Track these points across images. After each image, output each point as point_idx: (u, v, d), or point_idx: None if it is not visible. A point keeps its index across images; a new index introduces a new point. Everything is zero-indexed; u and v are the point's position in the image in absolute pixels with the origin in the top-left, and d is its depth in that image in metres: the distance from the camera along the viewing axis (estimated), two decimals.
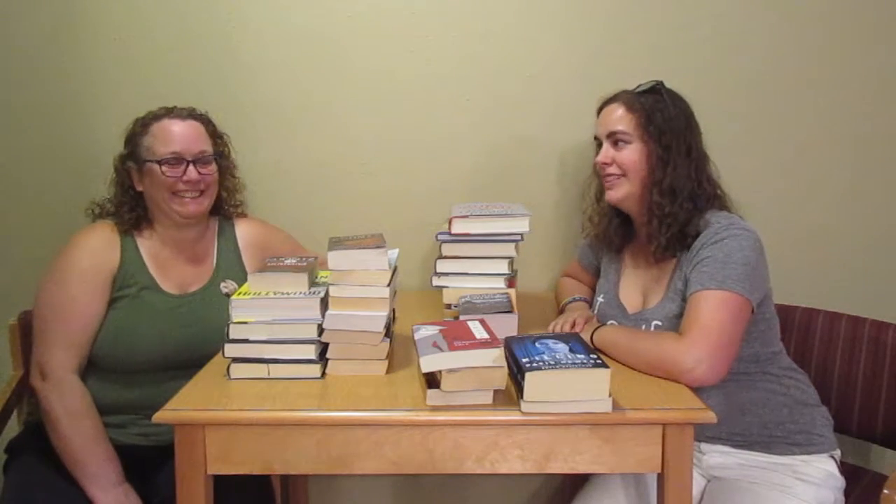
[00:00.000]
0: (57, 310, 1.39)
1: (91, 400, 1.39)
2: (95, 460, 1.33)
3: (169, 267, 1.49)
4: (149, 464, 1.40)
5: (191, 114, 1.50)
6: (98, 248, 1.43)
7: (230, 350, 1.20)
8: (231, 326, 1.20)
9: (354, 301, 1.20)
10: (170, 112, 1.48)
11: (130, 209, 1.48)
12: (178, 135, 1.45)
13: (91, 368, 1.42)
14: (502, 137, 1.83)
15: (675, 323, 1.31)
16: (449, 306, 1.50)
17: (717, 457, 1.37)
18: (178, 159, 1.44)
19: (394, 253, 1.30)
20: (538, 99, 1.81)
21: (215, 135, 1.54)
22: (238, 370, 1.20)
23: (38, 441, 1.40)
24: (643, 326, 1.37)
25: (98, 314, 1.41)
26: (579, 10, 1.78)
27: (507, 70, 1.80)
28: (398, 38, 1.80)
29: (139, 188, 1.47)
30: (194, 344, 1.40)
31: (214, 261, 1.55)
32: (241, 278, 1.53)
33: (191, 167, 1.44)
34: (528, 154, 1.83)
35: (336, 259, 1.21)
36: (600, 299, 1.51)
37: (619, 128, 1.40)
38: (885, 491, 1.21)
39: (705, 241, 1.31)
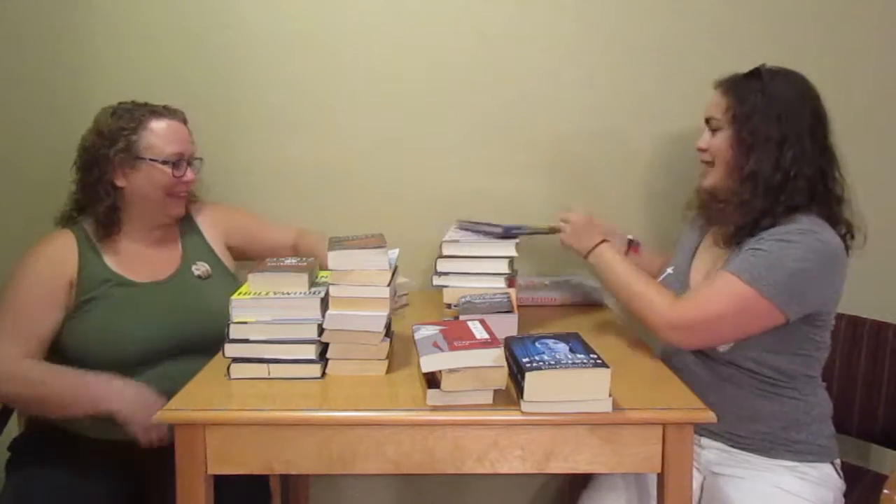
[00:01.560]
0: (9, 309, 1.38)
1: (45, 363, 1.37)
2: (85, 381, 1.33)
3: (135, 259, 1.49)
4: (148, 461, 1.39)
5: (182, 116, 1.53)
6: (55, 257, 1.43)
7: (230, 350, 1.20)
8: (231, 326, 1.20)
9: (354, 301, 1.20)
10: (163, 110, 1.49)
11: (108, 210, 1.45)
12: (180, 136, 1.49)
13: (95, 368, 1.39)
14: (503, 137, 1.83)
15: (748, 344, 1.30)
16: (449, 306, 1.50)
17: (715, 453, 1.37)
18: (180, 160, 1.47)
19: (394, 253, 1.30)
20: (541, 99, 1.81)
21: (191, 136, 1.56)
22: (238, 370, 1.20)
23: (40, 441, 1.40)
24: None
25: (50, 318, 1.39)
26: (584, 10, 1.78)
27: (509, 70, 1.80)
28: (399, 39, 1.79)
29: (120, 183, 1.45)
30: (179, 329, 1.42)
31: (180, 247, 1.57)
32: (210, 260, 1.57)
33: (188, 168, 1.49)
34: (531, 154, 1.83)
35: (336, 259, 1.21)
36: (669, 270, 1.49)
37: (712, 113, 1.37)
38: (886, 491, 1.21)
39: (771, 235, 1.26)
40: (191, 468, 1.08)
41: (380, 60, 1.80)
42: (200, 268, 1.55)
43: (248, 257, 1.66)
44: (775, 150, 1.29)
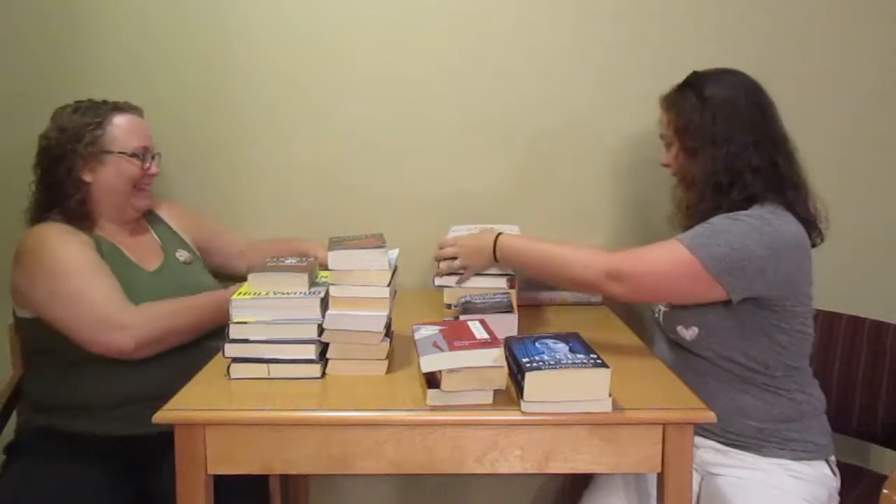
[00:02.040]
0: (80, 286, 1.35)
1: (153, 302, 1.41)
2: (204, 297, 1.46)
3: (125, 248, 1.52)
4: (151, 455, 1.39)
5: (141, 112, 1.56)
6: (69, 233, 1.44)
7: (230, 350, 1.20)
8: (231, 326, 1.20)
9: (354, 301, 1.20)
10: (125, 106, 1.53)
11: (79, 204, 1.46)
12: (143, 130, 1.53)
13: (95, 365, 1.39)
14: (504, 137, 1.83)
15: (712, 331, 1.31)
16: (449, 306, 1.50)
17: (711, 453, 1.37)
18: (145, 153, 1.51)
19: (394, 253, 1.30)
20: (541, 98, 1.81)
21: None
22: (238, 370, 1.20)
23: (36, 443, 1.39)
24: (678, 327, 1.36)
25: (112, 276, 1.40)
26: (587, 9, 1.78)
27: (509, 70, 1.80)
28: (400, 39, 1.80)
29: (87, 178, 1.47)
30: None
31: (155, 237, 1.61)
32: (185, 248, 1.64)
33: (153, 162, 1.53)
34: (531, 153, 1.83)
35: (336, 259, 1.21)
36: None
37: (661, 130, 1.42)
38: (885, 491, 1.21)
39: (725, 216, 1.29)
40: (191, 468, 1.08)
41: (381, 60, 1.80)
42: (182, 255, 1.61)
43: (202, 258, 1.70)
44: (715, 151, 1.31)
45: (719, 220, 1.28)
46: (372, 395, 1.14)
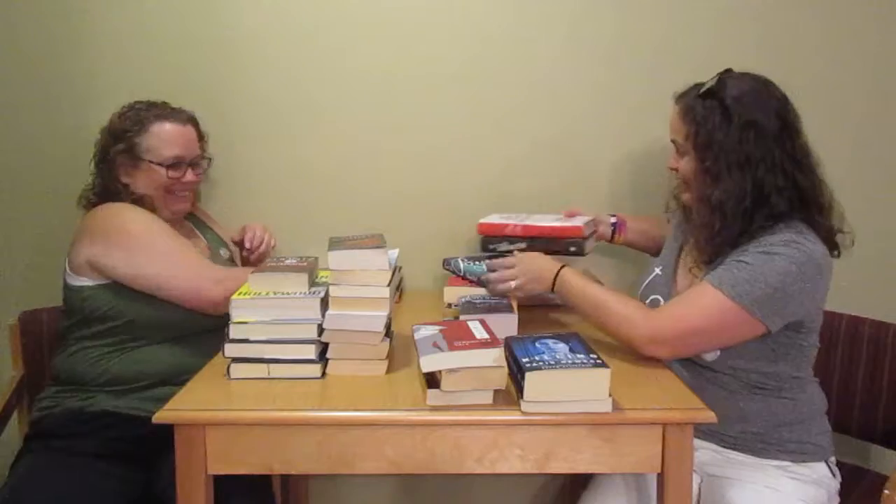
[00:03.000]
0: (175, 242, 1.45)
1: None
2: None
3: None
4: (151, 459, 1.39)
5: (189, 118, 1.56)
6: (142, 211, 1.49)
7: (230, 350, 1.20)
8: (231, 326, 1.20)
9: (354, 301, 1.20)
10: (169, 113, 1.52)
11: (134, 200, 1.50)
12: (181, 139, 1.53)
13: (141, 341, 1.44)
14: (505, 136, 1.83)
15: (736, 353, 1.29)
16: (449, 306, 1.50)
17: (709, 455, 1.37)
18: (179, 163, 1.51)
19: (394, 253, 1.30)
20: (541, 99, 1.81)
21: (201, 137, 1.61)
22: (238, 370, 1.20)
23: (42, 442, 1.39)
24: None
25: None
26: (586, 10, 1.78)
27: (509, 71, 1.80)
28: (400, 38, 1.80)
29: (125, 180, 1.50)
30: None
31: (204, 239, 1.65)
32: (228, 249, 1.70)
33: (189, 170, 1.53)
34: (532, 154, 1.83)
35: (336, 259, 1.21)
36: (657, 270, 1.46)
37: (675, 138, 1.34)
38: (886, 491, 1.21)
39: (755, 247, 1.23)
40: (191, 468, 1.08)
41: (382, 60, 1.80)
42: (226, 253, 1.67)
43: None
44: (742, 175, 1.24)
45: (756, 259, 1.21)
46: (372, 395, 1.14)
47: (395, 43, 1.80)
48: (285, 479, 1.79)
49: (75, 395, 1.43)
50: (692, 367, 1.35)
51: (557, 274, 1.37)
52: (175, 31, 1.78)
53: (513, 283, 1.40)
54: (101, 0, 1.77)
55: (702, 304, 1.22)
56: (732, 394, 1.32)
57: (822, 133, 1.77)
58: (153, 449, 1.37)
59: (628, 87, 1.79)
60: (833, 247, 1.29)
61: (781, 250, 1.21)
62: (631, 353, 1.35)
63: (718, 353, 1.31)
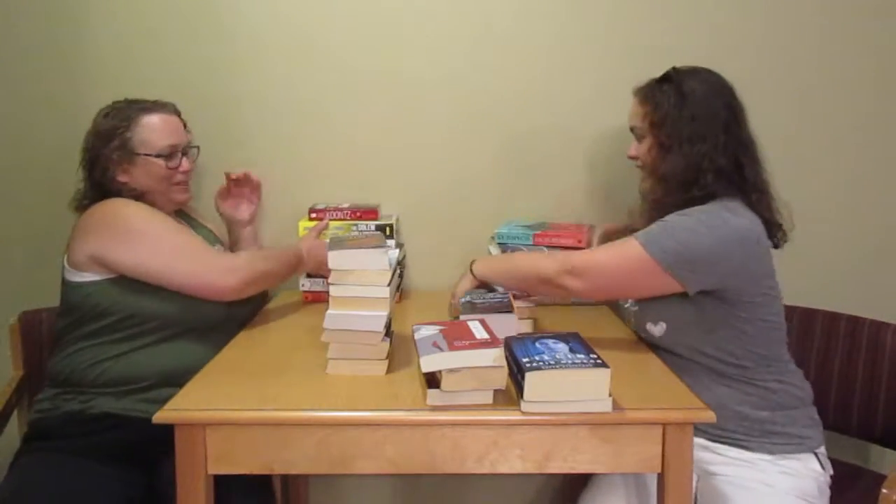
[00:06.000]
0: (183, 234, 1.48)
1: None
2: (288, 248, 1.62)
3: None
4: (152, 458, 1.39)
5: (172, 108, 1.57)
6: (145, 206, 1.49)
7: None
8: None
9: (354, 301, 1.20)
10: (152, 106, 1.53)
11: (132, 196, 1.50)
12: (170, 128, 1.54)
13: (140, 339, 1.44)
14: (504, 135, 1.83)
15: (678, 325, 1.33)
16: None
17: (700, 450, 1.36)
18: (174, 152, 1.52)
19: (394, 253, 1.30)
20: (540, 99, 1.81)
21: (185, 125, 1.61)
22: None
23: (41, 443, 1.39)
24: (647, 324, 1.38)
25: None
26: (579, 9, 1.78)
27: (508, 70, 1.80)
28: (400, 36, 1.80)
29: (123, 179, 1.50)
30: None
31: (197, 235, 1.62)
32: (221, 244, 1.70)
33: (184, 158, 1.55)
34: (530, 151, 1.83)
35: (336, 259, 1.21)
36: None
37: (634, 122, 1.43)
38: (884, 490, 1.21)
39: (678, 211, 1.31)
40: (191, 468, 1.08)
41: (382, 58, 1.80)
42: (220, 249, 1.66)
43: None
44: (690, 150, 1.33)
45: (672, 216, 1.31)
46: (372, 395, 1.14)
47: (397, 41, 1.80)
48: (285, 479, 1.79)
49: (74, 397, 1.42)
50: (658, 354, 1.36)
51: (470, 269, 1.49)
52: (175, 31, 1.79)
53: (456, 295, 1.48)
54: (102, 0, 1.77)
55: (616, 249, 1.33)
56: (699, 379, 1.32)
57: (823, 129, 1.79)
58: (153, 449, 1.37)
59: (619, 85, 1.79)
60: (777, 233, 1.37)
61: (697, 214, 1.29)
62: (631, 353, 1.36)
63: (664, 326, 1.35)
